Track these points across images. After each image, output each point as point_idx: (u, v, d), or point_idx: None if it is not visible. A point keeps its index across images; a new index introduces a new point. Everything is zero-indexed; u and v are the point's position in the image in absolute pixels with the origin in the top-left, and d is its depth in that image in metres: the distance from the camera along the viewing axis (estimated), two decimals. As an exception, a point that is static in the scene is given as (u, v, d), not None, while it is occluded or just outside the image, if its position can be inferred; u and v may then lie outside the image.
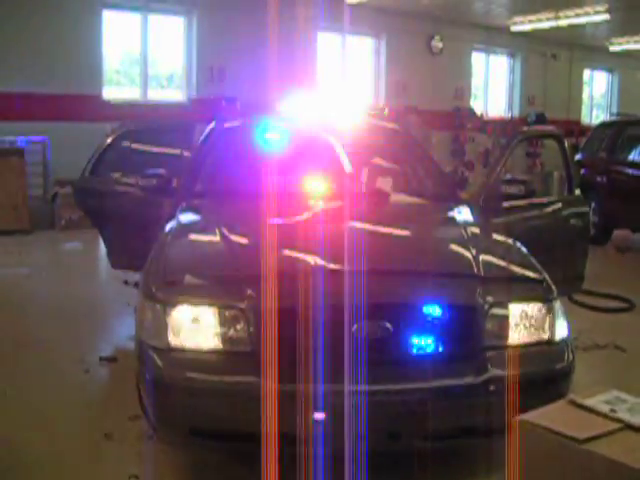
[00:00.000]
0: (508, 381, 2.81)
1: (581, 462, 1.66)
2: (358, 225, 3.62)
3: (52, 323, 5.40)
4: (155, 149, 5.55)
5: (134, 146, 5.54)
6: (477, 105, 14.96)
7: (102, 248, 5.69)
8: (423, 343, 2.82)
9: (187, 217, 3.86)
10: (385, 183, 4.44)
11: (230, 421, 2.66)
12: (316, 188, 4.18)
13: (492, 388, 2.77)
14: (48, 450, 3.37)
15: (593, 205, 9.48)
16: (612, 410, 1.83)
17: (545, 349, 2.96)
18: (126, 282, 5.85)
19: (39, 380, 4.21)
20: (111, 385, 4.24)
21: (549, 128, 6.85)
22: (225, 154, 4.69)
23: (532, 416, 1.79)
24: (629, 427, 1.77)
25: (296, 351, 2.72)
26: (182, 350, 2.78)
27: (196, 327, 2.79)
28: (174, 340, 2.78)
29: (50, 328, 5.26)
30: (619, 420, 1.78)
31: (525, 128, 8.67)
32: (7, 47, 9.42)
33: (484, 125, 14.55)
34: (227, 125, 4.99)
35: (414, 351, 2.82)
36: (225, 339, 2.78)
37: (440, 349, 2.83)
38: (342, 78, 13.01)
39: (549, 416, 1.78)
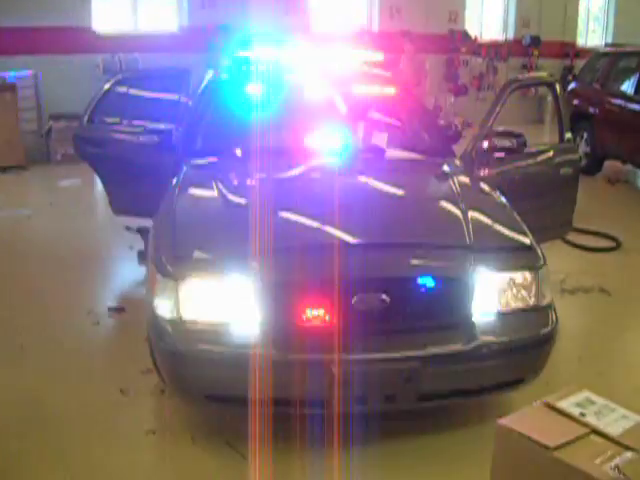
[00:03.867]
0: (496, 347, 3.01)
1: (550, 469, 1.78)
2: (353, 190, 3.71)
3: (56, 270, 5.47)
4: (152, 95, 5.57)
5: (131, 92, 5.56)
6: (471, 28, 14.71)
7: (101, 184, 5.71)
8: (416, 313, 2.99)
9: (193, 182, 3.89)
10: (380, 138, 4.52)
11: (243, 388, 2.80)
12: (315, 144, 4.28)
13: (481, 353, 2.97)
14: (65, 406, 3.49)
15: (585, 135, 9.57)
16: (581, 414, 1.93)
17: (531, 315, 3.12)
18: (128, 228, 5.96)
19: (52, 333, 4.31)
20: (121, 337, 4.35)
21: (542, 75, 6.91)
22: (224, 107, 4.70)
23: (510, 420, 1.91)
24: (595, 432, 1.87)
25: (301, 322, 2.91)
26: (193, 322, 2.92)
27: (206, 300, 2.93)
28: (185, 312, 2.92)
29: (55, 276, 5.33)
30: (586, 425, 1.89)
31: (519, 76, 8.76)
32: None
33: (478, 48, 14.39)
34: (225, 76, 5.02)
35: (408, 321, 2.99)
36: (234, 311, 2.92)
37: (432, 318, 3.00)
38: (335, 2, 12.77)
39: (525, 420, 1.90)
